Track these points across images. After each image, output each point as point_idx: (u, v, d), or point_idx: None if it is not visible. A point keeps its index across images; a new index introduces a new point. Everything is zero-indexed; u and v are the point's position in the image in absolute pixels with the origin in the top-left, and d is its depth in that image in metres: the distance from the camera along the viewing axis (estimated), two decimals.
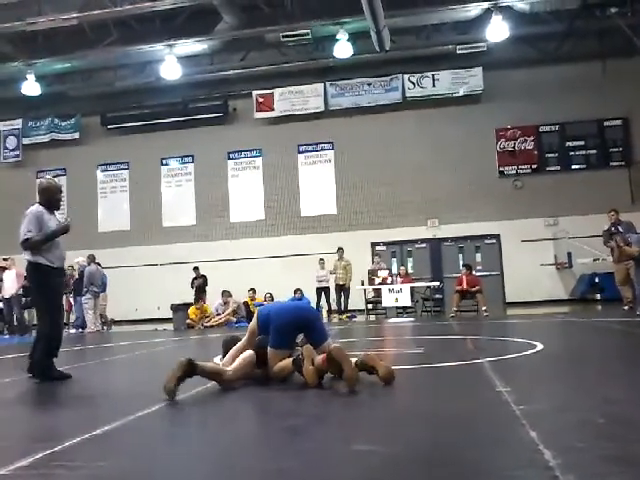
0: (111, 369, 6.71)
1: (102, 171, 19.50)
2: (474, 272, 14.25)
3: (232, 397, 3.99)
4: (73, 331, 14.38)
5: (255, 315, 4.69)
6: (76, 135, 19.36)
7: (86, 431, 2.98)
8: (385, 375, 4.04)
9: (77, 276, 15.01)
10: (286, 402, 3.82)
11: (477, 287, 13.26)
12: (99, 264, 15.07)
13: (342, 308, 15.08)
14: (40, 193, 5.62)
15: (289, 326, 4.41)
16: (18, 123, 19.73)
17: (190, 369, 3.96)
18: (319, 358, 4.18)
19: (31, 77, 16.88)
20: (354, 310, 15.20)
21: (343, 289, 15.13)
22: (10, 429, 3.47)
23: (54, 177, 19.06)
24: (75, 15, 14.29)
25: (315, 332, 4.46)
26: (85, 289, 14.37)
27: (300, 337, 4.58)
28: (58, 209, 5.74)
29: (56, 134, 19.45)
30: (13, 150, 19.78)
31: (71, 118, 19.39)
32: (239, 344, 4.61)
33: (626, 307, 11.30)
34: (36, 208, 5.50)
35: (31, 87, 17.11)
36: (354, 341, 8.55)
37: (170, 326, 14.79)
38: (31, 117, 19.61)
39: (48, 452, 2.63)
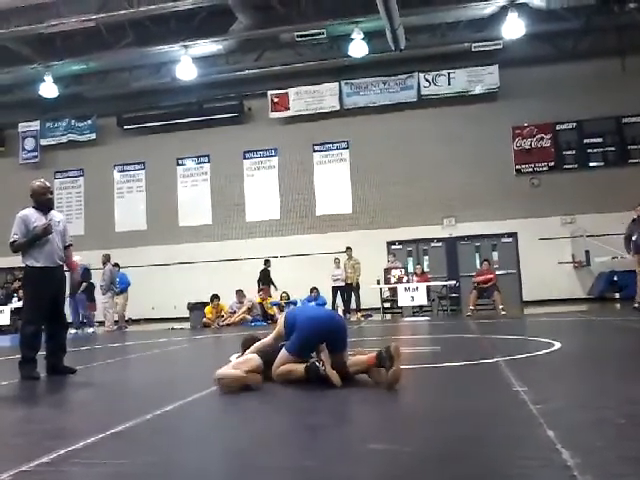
0: (128, 368, 6.77)
1: (119, 171, 19.65)
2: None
3: (250, 396, 4.00)
4: (91, 330, 14.47)
5: (283, 316, 4.63)
6: (93, 136, 19.52)
7: (106, 429, 3.00)
8: (393, 377, 3.92)
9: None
10: (304, 401, 3.82)
11: (493, 280, 13.29)
12: (117, 265, 15.20)
13: (355, 307, 15.08)
14: (30, 196, 5.73)
15: (316, 338, 4.26)
16: (36, 124, 19.94)
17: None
18: (363, 357, 4.19)
19: (49, 79, 17.03)
20: (370, 309, 15.18)
21: (352, 288, 15.15)
22: (31, 427, 3.51)
23: (71, 178, 19.68)
24: (92, 17, 14.42)
25: (338, 342, 4.32)
26: (106, 288, 14.51)
27: None
28: (50, 209, 5.78)
29: (73, 135, 19.64)
30: (31, 151, 20.00)
31: (88, 119, 19.56)
32: (265, 340, 4.57)
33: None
34: (24, 211, 5.66)
35: (49, 89, 17.27)
36: (370, 340, 8.53)
37: (186, 325, 14.89)
38: (49, 118, 19.80)
39: (68, 449, 2.66)
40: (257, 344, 4.57)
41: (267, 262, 16.08)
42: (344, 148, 18.18)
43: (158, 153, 19.00)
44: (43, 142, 19.86)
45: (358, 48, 15.68)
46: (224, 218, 18.60)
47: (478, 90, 17.22)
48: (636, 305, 11.24)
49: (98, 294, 14.93)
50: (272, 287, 15.73)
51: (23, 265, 5.64)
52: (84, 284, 14.42)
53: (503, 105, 17.15)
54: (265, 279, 15.85)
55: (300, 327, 4.30)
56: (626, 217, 11.93)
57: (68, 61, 16.76)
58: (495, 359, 5.13)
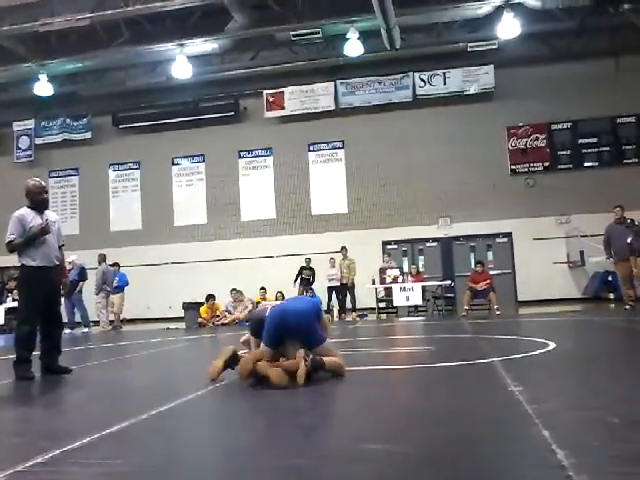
0: (123, 368, 6.75)
1: (114, 171, 19.60)
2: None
3: (244, 396, 4.00)
4: (86, 330, 14.42)
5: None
6: (88, 135, 19.46)
7: (101, 429, 3.00)
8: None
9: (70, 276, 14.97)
10: (298, 401, 3.82)
11: (489, 282, 13.29)
12: (117, 264, 15.14)
13: (351, 307, 15.07)
14: (25, 195, 5.71)
15: (275, 329, 4.33)
16: (31, 123, 19.86)
17: (233, 358, 4.47)
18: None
19: (43, 77, 16.98)
20: (365, 309, 15.19)
21: (347, 288, 15.14)
22: (26, 427, 3.50)
23: (66, 177, 19.63)
24: (87, 15, 14.38)
25: (307, 336, 4.34)
26: (98, 288, 14.46)
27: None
28: (45, 208, 5.77)
29: (68, 134, 19.57)
30: (26, 150, 19.93)
31: (83, 118, 19.50)
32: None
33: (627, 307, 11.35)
34: (20, 211, 5.64)
35: (43, 87, 17.22)
36: (363, 340, 8.55)
37: (182, 325, 14.86)
38: (43, 117, 19.74)
39: (64, 449, 2.65)
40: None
41: (307, 260, 16.00)
42: (339, 148, 18.18)
43: (153, 152, 18.96)
44: (38, 141, 19.79)
45: (353, 48, 15.68)
46: (219, 218, 18.57)
47: (473, 90, 17.24)
48: (627, 307, 11.32)
49: (91, 294, 14.85)
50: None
51: (19, 264, 5.63)
52: (81, 283, 14.38)
53: (498, 105, 17.18)
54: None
55: (268, 317, 4.42)
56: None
57: (63, 60, 16.70)
58: (490, 359, 5.14)
